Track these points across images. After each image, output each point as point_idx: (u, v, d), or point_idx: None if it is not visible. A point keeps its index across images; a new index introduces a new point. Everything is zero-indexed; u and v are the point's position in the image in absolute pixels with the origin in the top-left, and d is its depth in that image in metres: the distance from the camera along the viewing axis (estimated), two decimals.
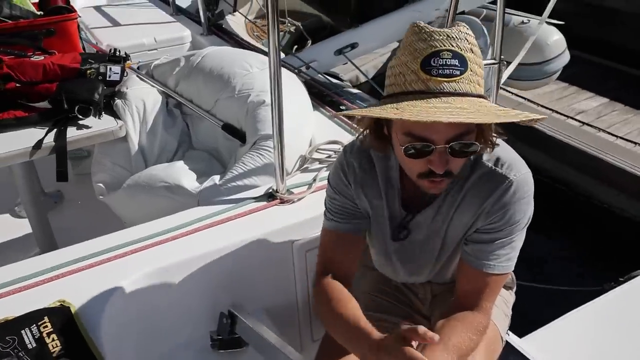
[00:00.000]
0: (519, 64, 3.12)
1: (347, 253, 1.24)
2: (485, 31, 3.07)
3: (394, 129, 1.02)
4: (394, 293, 1.46)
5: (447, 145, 0.95)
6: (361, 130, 1.12)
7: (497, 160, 1.10)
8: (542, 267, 3.85)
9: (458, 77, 0.91)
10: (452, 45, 0.91)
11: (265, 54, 3.03)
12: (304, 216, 1.61)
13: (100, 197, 2.12)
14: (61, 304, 1.19)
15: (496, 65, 1.89)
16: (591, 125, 4.64)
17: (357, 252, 1.26)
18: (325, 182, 1.73)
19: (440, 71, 0.91)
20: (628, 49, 5.44)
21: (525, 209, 1.11)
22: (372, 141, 1.11)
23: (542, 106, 4.97)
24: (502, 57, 1.89)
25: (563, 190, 4.29)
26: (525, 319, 2.05)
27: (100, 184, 2.12)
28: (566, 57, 3.45)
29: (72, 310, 1.18)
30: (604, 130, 4.55)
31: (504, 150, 1.12)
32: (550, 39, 3.41)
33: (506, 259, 1.14)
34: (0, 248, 2.49)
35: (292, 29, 5.15)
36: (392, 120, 1.01)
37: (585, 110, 4.90)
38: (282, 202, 1.65)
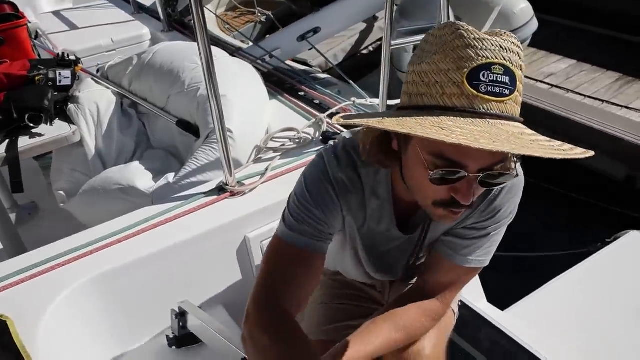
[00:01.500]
0: None
1: (306, 275, 1.00)
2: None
3: (415, 146, 0.85)
4: (352, 293, 1.39)
5: (479, 174, 0.81)
6: (363, 142, 0.94)
7: None
8: (529, 236, 3.82)
9: (507, 98, 0.77)
10: (505, 59, 0.76)
11: (228, 47, 3.01)
12: (257, 207, 1.59)
13: (62, 204, 2.09)
14: None
15: None
16: (560, 87, 4.64)
17: (318, 276, 1.03)
18: (278, 170, 1.74)
19: (489, 88, 0.76)
20: (593, 9, 5.45)
21: (515, 206, 1.05)
22: (376, 156, 0.93)
23: None
24: None
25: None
26: (511, 291, 2.03)
27: (61, 192, 2.10)
28: (534, 25, 3.39)
29: (9, 324, 1.16)
30: (572, 91, 4.56)
31: None
32: (517, 7, 3.35)
33: (485, 253, 1.09)
34: None
35: (263, 18, 5.09)
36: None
37: (554, 72, 4.90)
38: (233, 194, 1.62)
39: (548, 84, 4.71)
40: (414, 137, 0.82)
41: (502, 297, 1.88)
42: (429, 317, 1.12)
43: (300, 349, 0.93)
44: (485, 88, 0.76)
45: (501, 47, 0.77)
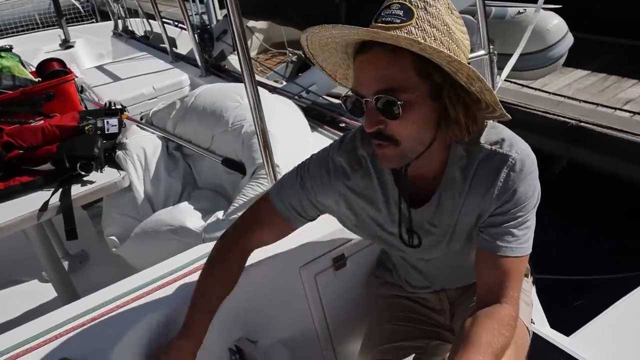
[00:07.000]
0: (523, 54, 3.04)
1: (270, 230, 1.28)
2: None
3: None
4: (410, 316, 1.42)
5: (372, 99, 0.96)
6: None
7: (496, 141, 1.08)
8: (583, 260, 3.67)
9: (397, 25, 0.93)
10: (404, 0, 0.94)
11: (265, 86, 3.06)
12: (308, 239, 1.57)
13: (114, 249, 2.12)
14: None
15: (487, 57, 1.84)
16: None
17: (280, 235, 1.31)
18: None
19: (383, 19, 0.95)
20: None
21: (534, 185, 1.09)
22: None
23: (584, 101, 4.45)
24: (491, 47, 1.84)
25: (626, 189, 3.93)
26: (573, 315, 1.94)
27: (113, 237, 2.13)
28: (569, 40, 3.34)
29: None
30: None
31: (500, 130, 1.10)
32: (550, 24, 3.32)
33: (524, 240, 1.10)
34: (29, 315, 2.51)
35: (294, 58, 5.20)
36: None
37: (632, 98, 4.40)
38: None
39: (628, 111, 4.22)
40: None
41: (564, 322, 1.80)
42: (505, 325, 1.06)
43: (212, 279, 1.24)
44: (380, 20, 0.95)
45: None
